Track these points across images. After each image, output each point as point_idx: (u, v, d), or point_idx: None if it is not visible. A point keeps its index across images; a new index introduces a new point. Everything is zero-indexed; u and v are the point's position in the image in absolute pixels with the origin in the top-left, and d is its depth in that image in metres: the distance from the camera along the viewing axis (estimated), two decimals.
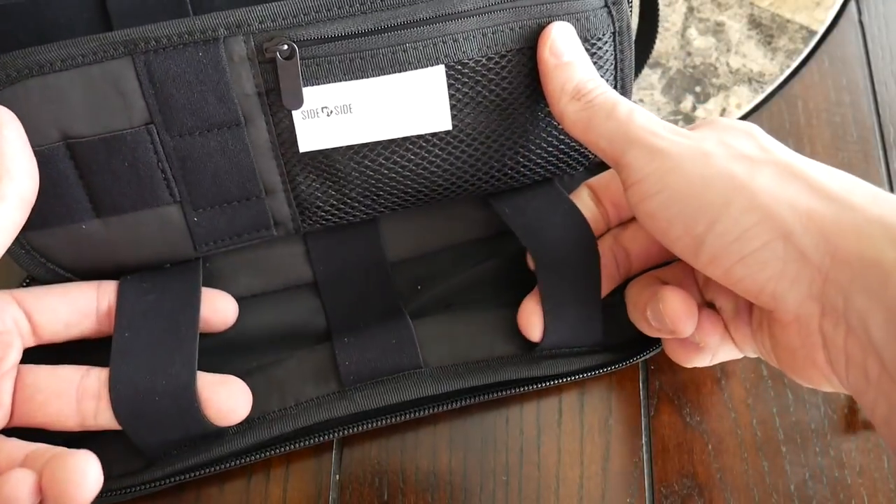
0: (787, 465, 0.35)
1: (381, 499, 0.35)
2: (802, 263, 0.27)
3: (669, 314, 0.32)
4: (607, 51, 0.35)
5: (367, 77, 0.32)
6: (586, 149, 0.36)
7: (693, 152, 0.30)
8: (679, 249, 0.30)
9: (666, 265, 0.36)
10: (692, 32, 0.46)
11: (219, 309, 0.36)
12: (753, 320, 0.32)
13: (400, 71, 0.32)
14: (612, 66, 0.35)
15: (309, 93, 0.32)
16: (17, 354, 0.32)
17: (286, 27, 0.31)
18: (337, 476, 0.36)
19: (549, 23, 0.33)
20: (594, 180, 0.38)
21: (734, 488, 0.35)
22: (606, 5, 0.34)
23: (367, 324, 0.36)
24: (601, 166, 0.38)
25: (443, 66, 0.33)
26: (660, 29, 0.39)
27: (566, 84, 0.33)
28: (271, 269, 0.38)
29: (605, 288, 0.36)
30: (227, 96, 0.32)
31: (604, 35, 0.34)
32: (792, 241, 0.27)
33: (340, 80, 0.32)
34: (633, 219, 0.37)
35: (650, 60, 0.45)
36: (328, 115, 0.33)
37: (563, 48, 0.33)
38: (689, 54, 0.45)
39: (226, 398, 0.33)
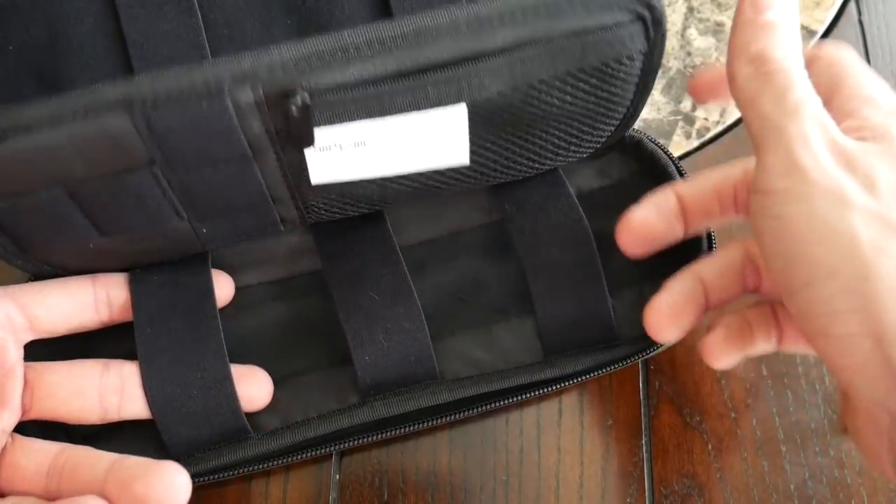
0: (787, 465, 0.35)
1: (381, 499, 0.35)
2: (885, 372, 0.24)
3: (646, 321, 0.32)
4: (636, 67, 0.32)
5: (384, 116, 0.30)
6: (594, 141, 0.36)
7: (832, 192, 0.24)
8: (772, 278, 0.27)
9: None
10: (692, 32, 0.46)
11: (221, 287, 0.37)
12: None
13: (419, 109, 0.30)
14: (636, 82, 0.33)
15: (322, 132, 0.30)
16: (15, 350, 0.32)
17: (298, 74, 0.28)
18: (337, 476, 0.36)
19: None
20: (684, 188, 0.34)
21: (734, 488, 0.35)
22: (645, 25, 0.31)
23: (377, 311, 0.36)
24: (608, 150, 0.38)
25: (465, 104, 0.30)
26: None
27: (749, 44, 0.27)
28: (277, 259, 0.38)
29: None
30: (234, 138, 0.29)
31: (636, 54, 0.31)
32: (883, 346, 0.23)
33: (355, 120, 0.30)
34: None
35: None
36: (341, 149, 0.31)
37: (768, 4, 0.27)
38: (689, 54, 0.45)
39: (251, 386, 0.35)
